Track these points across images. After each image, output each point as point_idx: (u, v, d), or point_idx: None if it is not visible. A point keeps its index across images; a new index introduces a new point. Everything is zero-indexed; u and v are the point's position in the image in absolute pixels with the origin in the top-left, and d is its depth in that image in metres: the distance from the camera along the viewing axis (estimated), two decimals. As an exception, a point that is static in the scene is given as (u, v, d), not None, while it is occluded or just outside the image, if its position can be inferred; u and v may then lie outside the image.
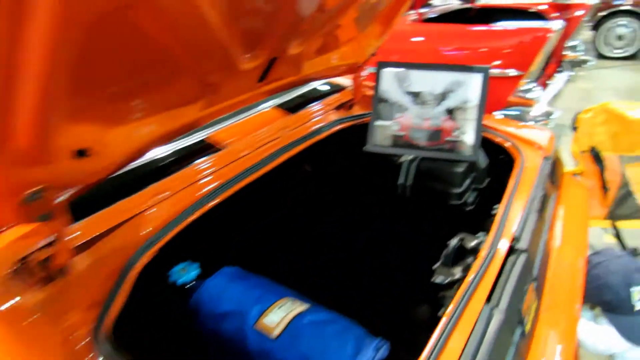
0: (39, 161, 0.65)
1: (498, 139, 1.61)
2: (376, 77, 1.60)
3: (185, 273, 1.13)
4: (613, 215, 2.09)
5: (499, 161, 1.62)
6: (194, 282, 1.13)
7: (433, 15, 4.36)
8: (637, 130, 1.95)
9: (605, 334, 1.48)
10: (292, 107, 1.63)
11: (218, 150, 1.35)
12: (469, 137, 1.53)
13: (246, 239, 1.55)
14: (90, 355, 0.71)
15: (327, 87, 1.86)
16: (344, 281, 1.65)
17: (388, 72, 1.58)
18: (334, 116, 1.70)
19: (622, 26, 6.68)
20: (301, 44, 1.27)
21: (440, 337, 0.81)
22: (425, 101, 1.56)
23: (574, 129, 2.03)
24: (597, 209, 2.08)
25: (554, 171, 1.61)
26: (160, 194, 1.13)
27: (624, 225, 2.07)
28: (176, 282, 1.12)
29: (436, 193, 1.54)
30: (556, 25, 3.13)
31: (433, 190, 1.55)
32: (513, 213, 1.21)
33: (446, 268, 1.17)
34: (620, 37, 6.75)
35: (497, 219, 1.18)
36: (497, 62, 3.16)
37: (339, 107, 1.76)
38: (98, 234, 0.95)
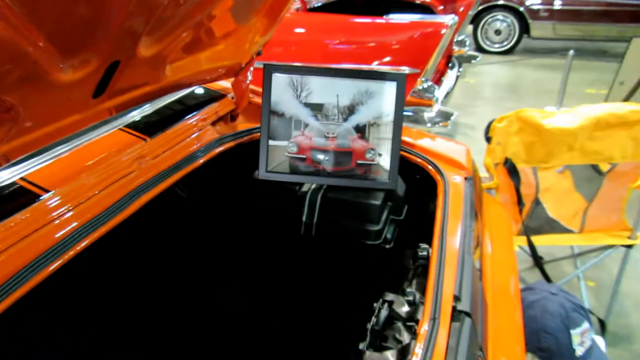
0: None
1: (415, 159, 1.50)
2: (264, 84, 1.38)
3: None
4: (527, 230, 2.14)
5: (414, 182, 1.55)
6: None
7: (318, 4, 4.28)
8: (552, 140, 1.96)
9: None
10: (150, 127, 1.37)
11: (36, 199, 1.00)
12: (385, 159, 1.39)
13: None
14: None
15: (199, 95, 1.64)
16: None
17: (280, 79, 1.38)
18: (211, 134, 1.46)
19: (498, 20, 7.36)
20: (158, 41, 0.98)
21: None
22: (330, 115, 1.41)
23: (488, 139, 2.01)
24: (512, 225, 2.10)
25: (475, 193, 1.53)
26: None
27: (538, 241, 2.12)
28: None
29: (349, 231, 1.39)
30: (450, 19, 3.19)
31: (345, 228, 1.40)
32: (449, 260, 1.09)
33: (376, 352, 0.99)
34: (497, 32, 7.39)
35: (432, 271, 1.05)
36: (387, 59, 3.12)
37: (217, 121, 1.55)
38: None
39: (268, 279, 1.65)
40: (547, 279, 2.13)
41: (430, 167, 1.48)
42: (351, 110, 1.40)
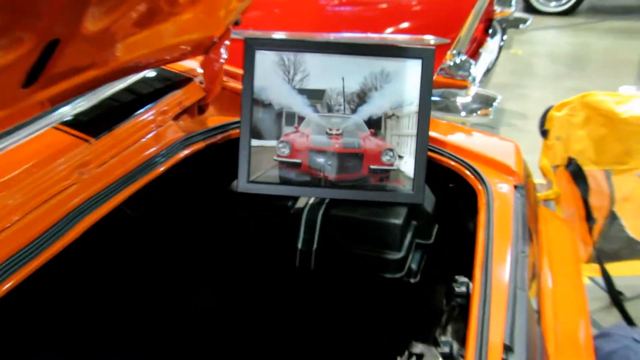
0: None
1: (447, 161, 1.59)
2: (245, 65, 1.47)
3: None
4: (600, 255, 2.21)
5: (446, 194, 1.64)
6: None
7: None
8: (630, 134, 2.07)
9: None
10: (94, 124, 1.45)
11: None
12: (407, 164, 1.49)
13: None
14: None
15: (158, 81, 1.73)
16: None
17: (266, 57, 1.47)
18: (174, 133, 1.55)
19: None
20: (109, 11, 1.04)
21: None
22: (333, 106, 1.50)
23: (544, 133, 2.10)
24: (579, 249, 2.17)
25: (529, 207, 1.63)
26: None
27: (616, 270, 2.20)
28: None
29: (361, 262, 1.47)
30: (490, -30, 3.33)
31: (355, 257, 1.48)
32: (496, 298, 1.16)
33: None
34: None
35: (473, 313, 1.12)
36: (405, 25, 3.23)
37: (181, 114, 1.64)
38: None
39: (253, 326, 1.71)
40: (629, 321, 2.20)
41: (467, 172, 1.55)
42: (362, 98, 1.48)
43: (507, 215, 1.44)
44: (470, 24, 3.17)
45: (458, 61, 3.18)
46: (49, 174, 1.22)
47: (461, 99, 3.30)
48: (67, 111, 1.43)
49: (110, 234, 1.50)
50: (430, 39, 3.13)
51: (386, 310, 1.53)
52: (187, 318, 1.80)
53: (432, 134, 1.61)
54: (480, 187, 1.50)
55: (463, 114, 3.29)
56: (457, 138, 1.70)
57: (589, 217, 2.12)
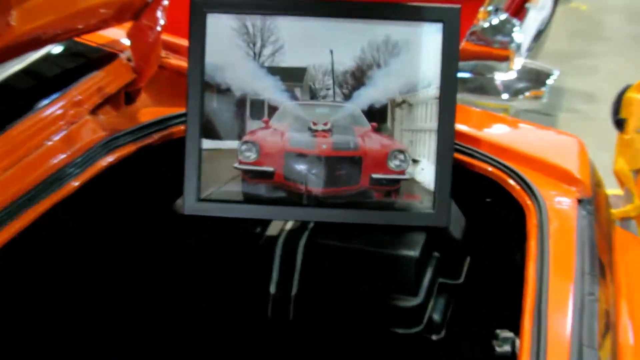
0: None
1: (482, 166, 1.65)
2: (191, 35, 1.51)
3: None
4: None
5: (480, 212, 1.69)
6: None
7: None
8: None
9: None
10: None
11: None
12: (425, 170, 1.53)
13: None
14: None
15: (68, 58, 1.80)
16: None
17: (221, 23, 1.54)
18: (92, 132, 1.59)
19: None
20: None
21: None
22: (318, 90, 1.55)
23: (619, 122, 2.14)
24: None
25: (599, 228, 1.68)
26: None
27: None
28: None
29: (360, 311, 1.53)
30: None
31: (351, 304, 1.53)
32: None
33: None
34: None
35: None
36: None
37: (101, 106, 1.68)
38: None
39: None
40: None
41: (511, 181, 1.60)
42: (358, 79, 1.52)
43: (568, 241, 1.48)
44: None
45: (495, 21, 3.28)
46: None
47: (502, 76, 3.39)
48: None
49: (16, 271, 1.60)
50: None
51: None
52: None
53: (459, 127, 1.65)
54: (529, 202, 1.55)
55: (505, 96, 3.38)
56: (495, 133, 1.78)
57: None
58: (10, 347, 1.67)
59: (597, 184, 1.80)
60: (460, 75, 3.25)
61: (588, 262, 1.46)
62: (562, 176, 1.67)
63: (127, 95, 1.75)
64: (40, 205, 1.40)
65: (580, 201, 1.60)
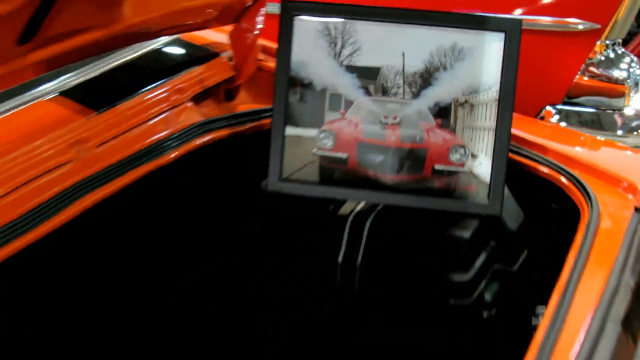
0: None
1: (542, 168, 1.76)
2: (280, 34, 1.66)
3: None
4: None
5: (545, 214, 1.82)
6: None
7: None
8: None
9: None
10: (97, 96, 1.69)
11: None
12: (483, 164, 1.65)
13: None
14: None
15: (175, 53, 1.97)
16: None
17: (307, 25, 1.68)
18: (191, 116, 1.76)
19: None
20: None
21: None
22: (390, 88, 1.68)
23: None
24: None
25: None
26: None
27: None
28: None
29: (417, 283, 1.65)
30: None
31: (409, 276, 1.66)
32: (570, 325, 1.29)
33: None
34: None
35: (536, 340, 1.24)
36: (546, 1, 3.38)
37: (203, 95, 1.85)
38: None
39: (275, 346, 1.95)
40: None
41: (568, 182, 1.70)
42: (426, 79, 1.66)
43: (615, 239, 1.54)
44: (628, 9, 3.29)
45: (612, 55, 3.27)
46: (42, 148, 1.47)
47: (622, 111, 3.35)
48: (68, 81, 1.68)
49: (108, 222, 1.71)
50: (578, 24, 3.26)
51: (445, 342, 1.69)
52: (191, 321, 2.03)
53: (521, 133, 1.78)
54: (585, 203, 1.63)
55: (620, 132, 3.35)
56: (556, 141, 1.86)
57: None
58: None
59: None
60: (575, 108, 3.35)
61: (632, 261, 1.51)
62: (621, 184, 1.72)
63: (227, 92, 1.90)
64: (142, 169, 1.58)
65: (637, 210, 1.65)
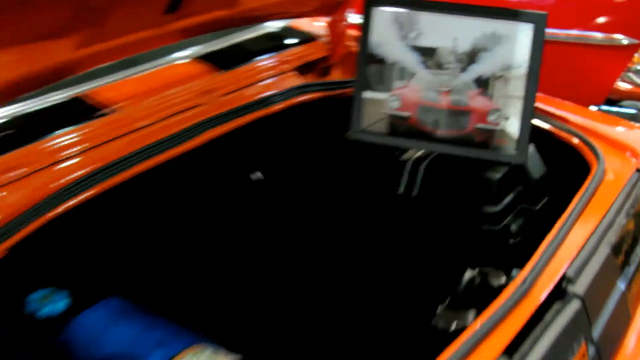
0: None
1: (563, 134, 2.09)
2: (364, 21, 2.06)
3: (48, 302, 1.53)
4: None
5: (566, 171, 2.12)
6: (62, 316, 1.51)
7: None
8: None
9: None
10: (226, 60, 2.11)
11: (102, 114, 1.78)
12: (513, 125, 2.01)
13: (142, 256, 2.03)
14: None
15: (286, 34, 2.38)
16: (304, 322, 2.08)
17: (383, 15, 2.09)
18: (295, 80, 2.16)
19: None
20: None
21: None
22: (444, 63, 2.07)
23: None
24: None
25: None
26: (7, 172, 1.56)
27: None
28: (36, 314, 1.51)
29: (458, 211, 2.00)
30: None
31: (453, 206, 2.00)
32: (570, 241, 1.62)
33: (454, 311, 1.62)
34: None
35: (541, 247, 1.57)
36: (601, 20, 3.66)
37: (304, 68, 2.26)
38: None
39: (350, 259, 2.22)
40: None
41: (581, 143, 2.06)
42: (472, 58, 2.04)
43: (615, 189, 1.86)
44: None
45: None
46: (182, 93, 1.90)
47: None
48: (201, 49, 2.12)
49: (223, 157, 2.08)
50: (622, 39, 3.56)
51: (478, 259, 1.94)
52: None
53: (547, 107, 2.12)
54: (594, 160, 1.96)
55: None
56: (576, 114, 2.22)
57: None
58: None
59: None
60: (614, 108, 3.69)
61: (627, 206, 1.82)
62: (627, 150, 2.04)
63: (324, 70, 2.30)
64: (254, 115, 1.99)
65: (638, 170, 1.96)
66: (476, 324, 1.35)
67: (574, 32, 3.65)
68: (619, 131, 2.22)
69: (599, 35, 3.63)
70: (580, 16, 3.74)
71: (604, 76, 3.63)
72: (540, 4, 3.82)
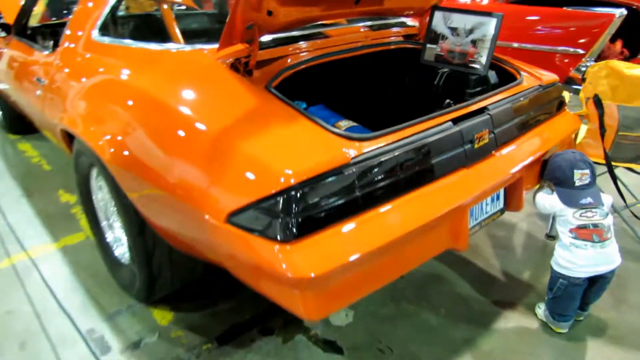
0: (256, 11, 3.12)
1: (507, 66, 4.66)
2: (430, 16, 4.66)
3: (300, 104, 4.17)
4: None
5: (505, 81, 4.30)
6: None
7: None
8: (632, 84, 4.69)
9: (552, 199, 3.82)
10: (376, 28, 4.28)
11: (325, 36, 4.06)
12: (483, 58, 4.51)
13: (331, 93, 4.35)
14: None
15: (399, 21, 4.60)
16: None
17: (438, 13, 4.61)
18: (402, 39, 4.40)
19: None
20: None
21: None
22: (459, 33, 4.21)
23: (583, 79, 4.92)
24: (596, 148, 4.86)
25: (545, 99, 4.19)
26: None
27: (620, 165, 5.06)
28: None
29: (457, 91, 4.58)
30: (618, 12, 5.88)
31: (455, 89, 4.57)
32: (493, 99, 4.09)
33: None
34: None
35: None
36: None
37: (406, 36, 4.52)
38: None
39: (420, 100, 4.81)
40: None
41: (511, 68, 4.47)
42: (471, 31, 4.14)
43: (523, 87, 4.40)
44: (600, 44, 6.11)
45: (583, 68, 5.96)
46: (357, 36, 4.64)
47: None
48: (368, 23, 4.84)
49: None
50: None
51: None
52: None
53: (503, 56, 4.76)
54: (517, 76, 4.19)
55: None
56: (524, 65, 4.73)
57: (602, 128, 4.97)
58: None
59: (556, 89, 4.33)
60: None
61: (523, 97, 4.15)
62: (537, 77, 4.28)
63: (416, 39, 4.98)
64: (380, 48, 4.57)
65: (540, 86, 4.12)
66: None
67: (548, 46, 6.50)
68: (539, 71, 4.39)
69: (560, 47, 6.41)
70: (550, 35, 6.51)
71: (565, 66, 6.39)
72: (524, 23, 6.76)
